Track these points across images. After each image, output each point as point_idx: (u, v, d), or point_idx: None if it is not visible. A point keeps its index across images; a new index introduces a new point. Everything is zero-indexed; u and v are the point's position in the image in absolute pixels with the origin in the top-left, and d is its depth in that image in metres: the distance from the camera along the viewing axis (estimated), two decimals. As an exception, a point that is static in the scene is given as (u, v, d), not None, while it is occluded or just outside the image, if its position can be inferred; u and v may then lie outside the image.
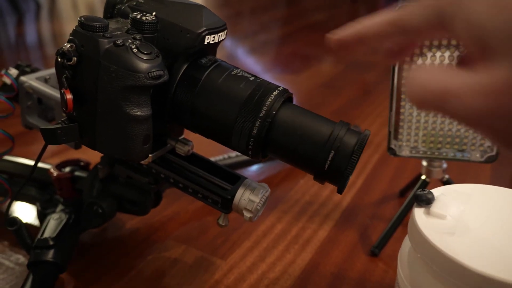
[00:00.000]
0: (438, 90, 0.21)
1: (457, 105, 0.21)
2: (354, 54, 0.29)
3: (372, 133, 0.86)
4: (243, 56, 1.43)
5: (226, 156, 0.67)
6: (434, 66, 0.24)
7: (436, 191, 0.36)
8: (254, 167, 0.73)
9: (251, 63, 1.36)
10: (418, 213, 0.34)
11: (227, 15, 1.99)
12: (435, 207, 0.34)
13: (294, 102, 0.38)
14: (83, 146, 0.44)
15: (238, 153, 0.68)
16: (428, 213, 0.34)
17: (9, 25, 1.81)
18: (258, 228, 0.58)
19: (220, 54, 0.40)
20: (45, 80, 0.49)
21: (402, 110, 0.50)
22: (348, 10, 2.36)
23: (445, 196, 0.35)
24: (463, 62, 0.25)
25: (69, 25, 1.78)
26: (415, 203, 0.35)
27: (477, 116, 0.20)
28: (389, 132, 0.52)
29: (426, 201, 0.34)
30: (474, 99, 0.20)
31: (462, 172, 0.71)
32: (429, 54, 0.46)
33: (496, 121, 0.20)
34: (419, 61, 0.47)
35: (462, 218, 0.33)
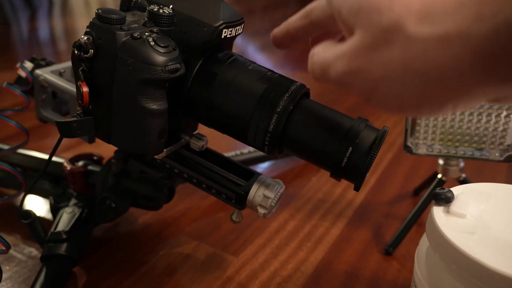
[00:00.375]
0: (320, 62, 0.26)
1: (332, 71, 0.25)
2: (292, 47, 0.34)
3: (386, 131, 0.85)
4: (255, 53, 1.43)
5: (238, 152, 0.67)
6: (323, 45, 0.27)
7: (455, 190, 0.35)
8: (266, 164, 0.73)
9: (263, 60, 1.35)
10: (437, 211, 0.33)
11: (239, 12, 1.98)
12: (454, 206, 0.33)
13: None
14: (97, 141, 0.44)
15: (251, 149, 0.68)
16: (447, 212, 0.33)
17: (22, 21, 1.82)
18: (271, 225, 0.58)
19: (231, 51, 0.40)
20: (60, 74, 0.49)
21: (419, 108, 0.49)
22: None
23: (465, 195, 0.34)
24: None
25: (81, 21, 1.79)
26: (434, 202, 0.34)
27: (345, 78, 0.25)
28: (406, 130, 0.51)
29: (446, 200, 0.33)
30: (339, 64, 0.25)
31: (478, 171, 0.70)
32: None
33: (355, 78, 0.24)
34: None
35: (482, 217, 0.33)
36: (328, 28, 0.30)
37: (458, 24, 0.21)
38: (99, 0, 2.34)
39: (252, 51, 1.45)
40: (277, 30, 0.33)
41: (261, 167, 0.72)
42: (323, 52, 0.27)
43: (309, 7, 0.31)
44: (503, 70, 0.21)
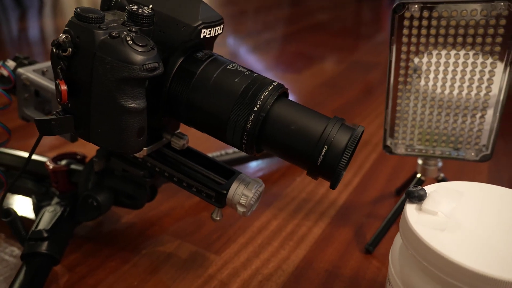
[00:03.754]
0: None
1: None
2: None
3: (370, 132, 0.86)
4: (246, 54, 1.43)
5: (223, 152, 0.68)
6: None
7: (429, 188, 0.36)
8: (252, 164, 0.73)
9: (254, 61, 1.36)
10: (410, 209, 0.34)
11: (231, 13, 2.00)
12: (426, 203, 0.34)
13: (296, 100, 0.38)
14: (80, 140, 0.44)
15: (236, 150, 0.68)
16: (419, 209, 0.34)
17: (12, 21, 1.81)
18: (253, 224, 0.58)
19: (222, 52, 0.40)
20: (43, 73, 0.49)
21: (398, 108, 0.50)
22: (353, 10, 2.36)
23: (437, 193, 0.35)
24: None
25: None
26: (407, 200, 0.35)
27: None
28: (385, 130, 0.52)
29: (418, 198, 0.34)
30: None
31: (459, 171, 0.71)
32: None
33: None
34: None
35: (454, 215, 0.33)
36: None
37: None
38: (91, 0, 2.33)
39: (244, 52, 1.46)
40: None
41: (247, 168, 0.73)
42: None
43: None
44: None
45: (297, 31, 1.80)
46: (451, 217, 0.33)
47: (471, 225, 0.32)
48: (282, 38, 1.69)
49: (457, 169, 0.71)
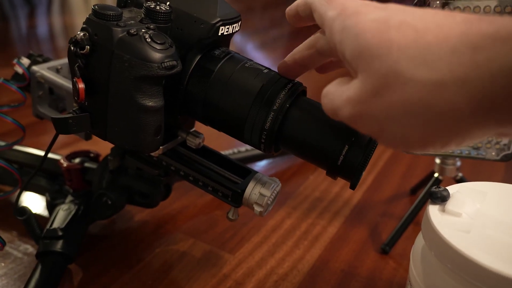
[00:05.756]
0: (330, 106, 0.28)
1: (341, 115, 0.26)
2: (301, 74, 0.36)
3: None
4: (253, 50, 1.43)
5: (235, 150, 0.67)
6: (334, 85, 0.28)
7: (451, 189, 0.35)
8: (264, 162, 0.73)
9: (261, 58, 1.35)
10: (433, 210, 0.33)
11: (239, 10, 1.98)
12: (450, 204, 0.33)
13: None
14: (94, 138, 0.44)
15: (248, 148, 0.68)
16: (443, 210, 0.33)
17: (20, 18, 1.81)
18: (267, 223, 0.58)
19: (230, 49, 0.39)
20: (57, 70, 0.49)
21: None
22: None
23: (461, 193, 0.34)
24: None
25: (80, 18, 1.78)
26: (430, 200, 0.34)
27: (353, 120, 0.26)
28: (402, 129, 0.51)
29: (441, 198, 0.33)
30: (346, 109, 0.26)
31: (475, 170, 0.70)
32: None
33: (361, 121, 0.26)
34: None
35: (478, 216, 0.33)
36: (333, 56, 0.31)
37: (453, 69, 0.22)
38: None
39: (251, 49, 1.45)
40: (285, 62, 0.35)
41: (259, 166, 0.72)
42: (332, 94, 0.28)
43: (313, 37, 0.32)
44: (500, 113, 0.22)
45: (305, 27, 1.78)
46: (475, 218, 0.33)
47: (495, 227, 0.32)
48: (290, 35, 1.68)
49: (473, 168, 0.70)
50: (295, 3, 0.33)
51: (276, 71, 0.37)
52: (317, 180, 0.67)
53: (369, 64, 0.24)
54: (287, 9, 0.34)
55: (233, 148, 0.68)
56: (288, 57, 0.35)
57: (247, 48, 1.45)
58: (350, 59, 0.26)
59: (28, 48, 1.38)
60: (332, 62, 0.35)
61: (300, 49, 0.33)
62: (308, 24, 0.34)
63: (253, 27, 1.74)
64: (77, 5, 2.15)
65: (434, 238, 0.31)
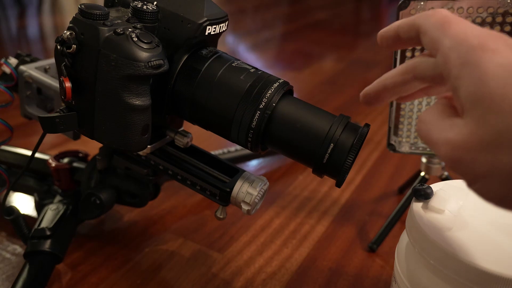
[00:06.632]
0: (424, 137, 0.26)
1: (436, 151, 0.25)
2: (382, 102, 0.32)
3: (373, 130, 0.86)
4: (245, 52, 1.43)
5: (225, 150, 0.67)
6: (431, 112, 0.26)
7: (435, 186, 0.36)
8: (254, 162, 0.73)
9: (253, 59, 1.35)
10: (417, 207, 0.34)
11: (230, 11, 1.98)
12: (433, 201, 0.34)
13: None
14: (82, 137, 0.44)
15: (238, 148, 0.68)
16: (426, 207, 0.34)
17: (11, 18, 1.80)
18: (256, 222, 0.58)
19: (222, 50, 0.40)
20: (45, 70, 0.49)
21: (402, 106, 0.50)
22: (352, 8, 2.36)
23: (444, 191, 0.35)
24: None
25: (71, 19, 1.77)
26: (414, 198, 0.35)
27: (446, 161, 0.24)
28: (389, 128, 0.51)
29: (425, 196, 0.34)
30: (443, 149, 0.24)
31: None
32: None
33: (457, 166, 0.24)
34: None
35: (461, 213, 0.33)
36: (436, 84, 0.28)
37: None
38: (89, -2, 2.32)
39: (243, 50, 1.46)
40: (371, 88, 0.32)
41: (249, 166, 0.72)
42: (431, 125, 0.26)
43: (411, 62, 0.29)
44: None
45: (297, 29, 1.79)
46: (458, 215, 0.33)
47: (478, 223, 0.32)
48: (282, 36, 1.69)
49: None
50: (395, 24, 0.30)
51: (263, 70, 0.37)
52: (306, 180, 0.68)
53: (486, 115, 0.22)
54: (383, 30, 0.31)
55: (223, 148, 0.68)
56: (376, 83, 0.31)
57: (239, 49, 1.45)
58: (464, 100, 0.23)
59: (18, 48, 1.38)
60: (422, 91, 0.32)
61: (393, 74, 0.30)
62: (407, 47, 0.31)
63: (245, 28, 1.74)
64: (68, 5, 2.14)
65: (417, 235, 0.32)
